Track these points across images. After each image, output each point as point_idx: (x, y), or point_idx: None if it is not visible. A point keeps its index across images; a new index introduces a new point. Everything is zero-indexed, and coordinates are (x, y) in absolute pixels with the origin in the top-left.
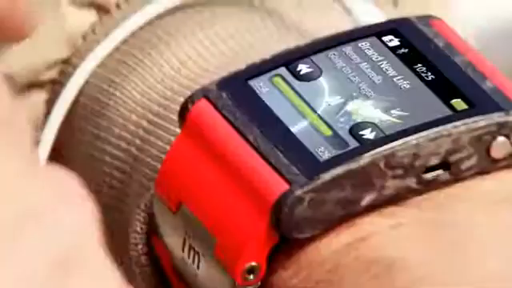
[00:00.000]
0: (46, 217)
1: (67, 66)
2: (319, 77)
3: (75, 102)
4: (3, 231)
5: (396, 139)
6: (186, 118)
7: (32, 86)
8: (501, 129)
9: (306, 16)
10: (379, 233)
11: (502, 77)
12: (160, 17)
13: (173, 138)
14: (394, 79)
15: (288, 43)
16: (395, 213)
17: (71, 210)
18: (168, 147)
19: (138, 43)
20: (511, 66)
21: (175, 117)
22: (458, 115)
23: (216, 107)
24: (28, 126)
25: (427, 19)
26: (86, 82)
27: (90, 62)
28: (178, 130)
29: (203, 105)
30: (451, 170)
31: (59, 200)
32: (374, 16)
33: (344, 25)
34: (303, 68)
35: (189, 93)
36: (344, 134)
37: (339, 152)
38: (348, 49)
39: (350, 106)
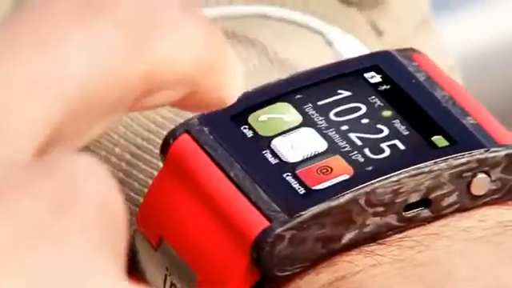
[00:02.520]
0: None
1: None
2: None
3: None
4: None
5: (377, 176)
6: (167, 153)
7: None
8: (481, 166)
9: (288, 47)
10: (359, 272)
11: (484, 111)
12: None
13: (155, 172)
14: None
15: (271, 75)
16: (375, 251)
17: None
18: (150, 181)
19: None
20: (493, 93)
21: (157, 150)
22: (438, 152)
23: (198, 142)
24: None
25: (409, 52)
26: None
27: None
28: (161, 164)
29: (185, 140)
30: (432, 207)
31: None
32: (356, 48)
33: (326, 57)
34: None
35: (171, 126)
36: None
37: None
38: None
39: None
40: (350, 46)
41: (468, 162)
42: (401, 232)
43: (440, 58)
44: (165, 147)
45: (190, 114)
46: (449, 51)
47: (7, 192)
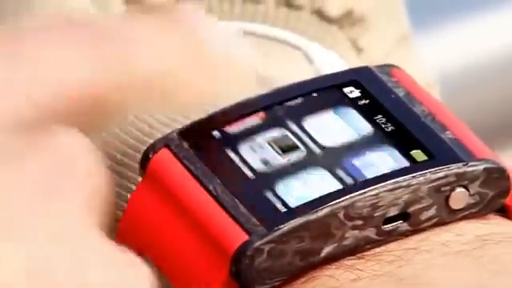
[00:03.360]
0: None
1: None
2: None
3: None
4: None
5: (355, 190)
6: (146, 168)
7: None
8: (459, 180)
9: (269, 64)
10: (340, 286)
11: (463, 126)
12: None
13: (133, 187)
14: None
15: (250, 90)
16: (355, 266)
17: None
18: (129, 195)
19: None
20: (473, 111)
21: (137, 165)
22: (417, 166)
23: (177, 157)
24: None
25: (387, 68)
26: None
27: None
28: (140, 179)
29: (164, 154)
30: (410, 221)
31: None
32: (336, 64)
33: (306, 73)
34: None
35: (151, 141)
36: None
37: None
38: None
39: None
40: (331, 62)
41: (446, 176)
42: (380, 246)
43: (419, 75)
44: (144, 162)
45: (170, 129)
46: (427, 68)
47: (19, 154)
